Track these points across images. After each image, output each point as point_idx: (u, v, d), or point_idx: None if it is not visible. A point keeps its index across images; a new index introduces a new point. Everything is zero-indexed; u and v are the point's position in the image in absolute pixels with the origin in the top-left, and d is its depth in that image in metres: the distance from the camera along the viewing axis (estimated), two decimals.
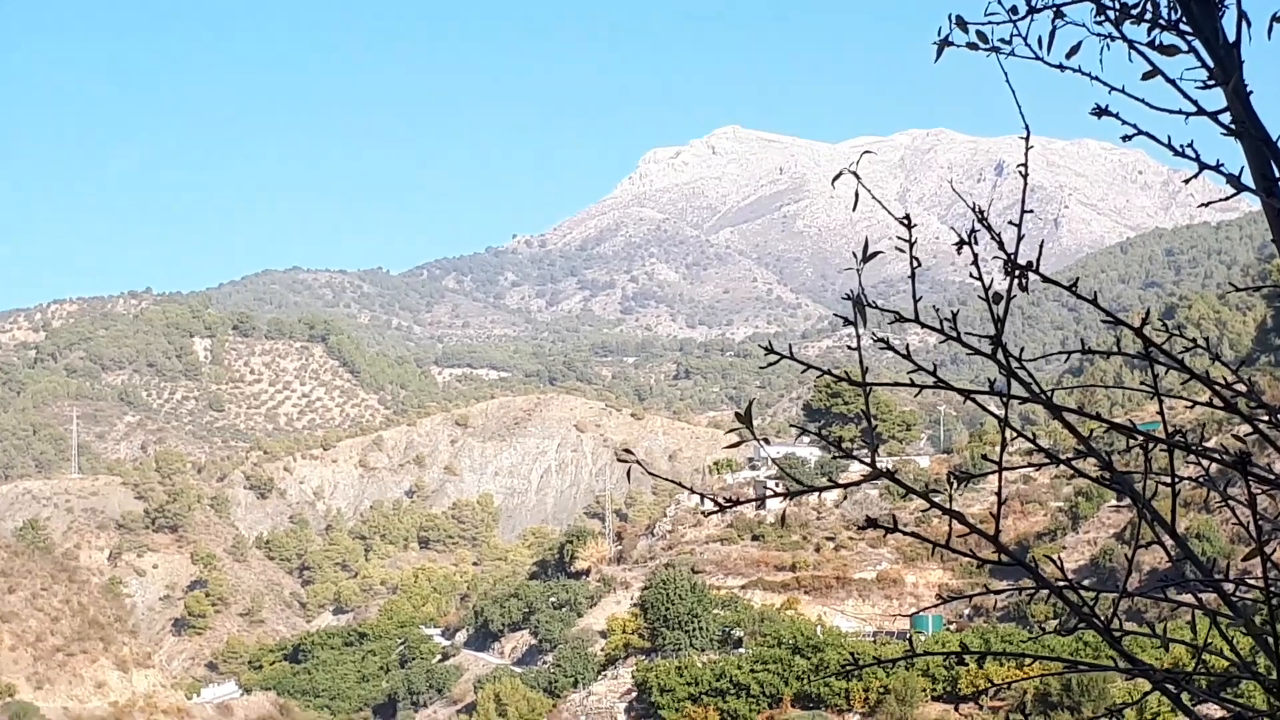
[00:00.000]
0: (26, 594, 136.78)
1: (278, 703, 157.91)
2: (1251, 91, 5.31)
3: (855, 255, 5.64)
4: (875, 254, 5.66)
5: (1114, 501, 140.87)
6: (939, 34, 5.90)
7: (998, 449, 6.09)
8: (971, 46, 5.83)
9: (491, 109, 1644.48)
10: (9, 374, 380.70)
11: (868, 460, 5.71)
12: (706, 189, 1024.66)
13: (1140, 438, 5.48)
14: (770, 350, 5.65)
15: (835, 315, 5.82)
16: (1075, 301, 5.45)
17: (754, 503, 6.10)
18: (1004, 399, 5.40)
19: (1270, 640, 5.27)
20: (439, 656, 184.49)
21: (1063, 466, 5.82)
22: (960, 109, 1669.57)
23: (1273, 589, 5.35)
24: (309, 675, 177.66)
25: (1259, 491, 5.38)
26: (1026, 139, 5.77)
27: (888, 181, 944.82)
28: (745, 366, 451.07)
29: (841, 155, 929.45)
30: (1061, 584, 5.51)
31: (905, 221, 5.68)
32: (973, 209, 5.43)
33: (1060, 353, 5.80)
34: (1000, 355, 5.33)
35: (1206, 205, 5.60)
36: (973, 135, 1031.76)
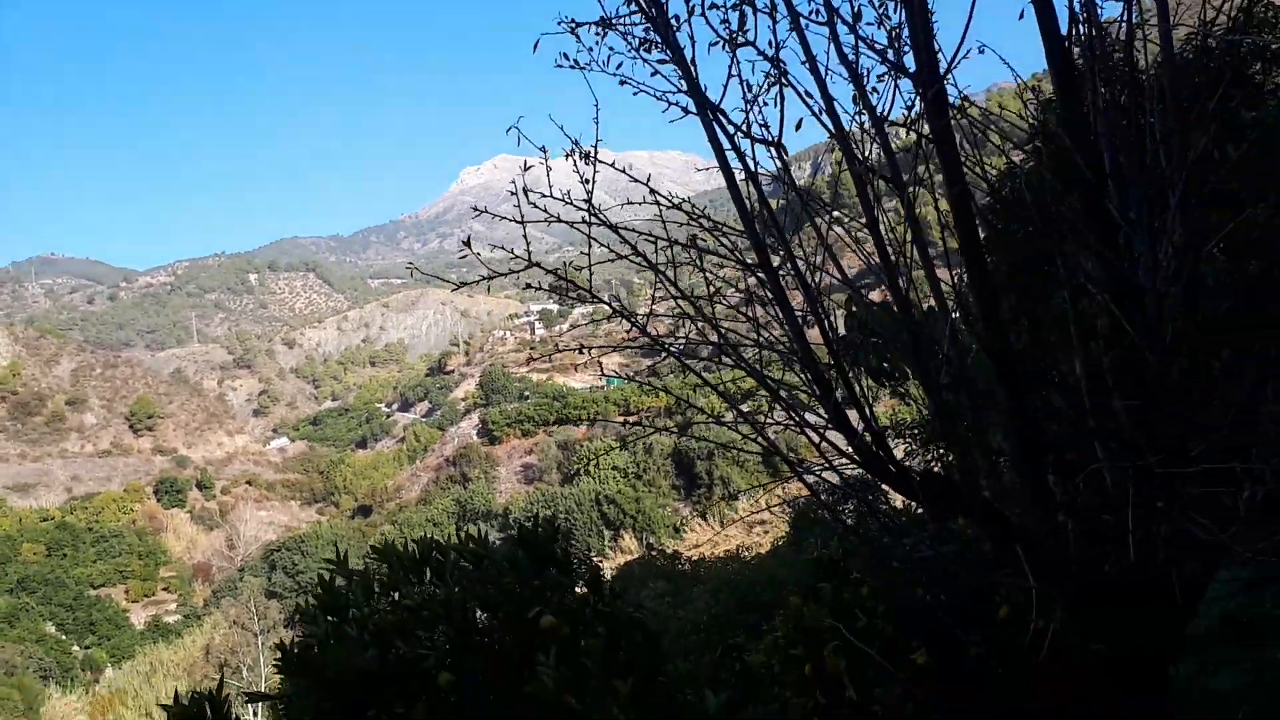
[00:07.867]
0: (178, 402, 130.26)
1: (309, 445, 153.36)
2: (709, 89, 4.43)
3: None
4: None
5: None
6: None
7: None
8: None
9: None
10: (158, 298, 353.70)
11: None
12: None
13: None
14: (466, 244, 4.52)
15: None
16: None
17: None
18: None
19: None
20: (387, 418, 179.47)
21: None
22: None
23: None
24: (321, 430, 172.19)
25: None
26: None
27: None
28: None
29: None
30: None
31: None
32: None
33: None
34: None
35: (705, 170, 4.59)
36: None
